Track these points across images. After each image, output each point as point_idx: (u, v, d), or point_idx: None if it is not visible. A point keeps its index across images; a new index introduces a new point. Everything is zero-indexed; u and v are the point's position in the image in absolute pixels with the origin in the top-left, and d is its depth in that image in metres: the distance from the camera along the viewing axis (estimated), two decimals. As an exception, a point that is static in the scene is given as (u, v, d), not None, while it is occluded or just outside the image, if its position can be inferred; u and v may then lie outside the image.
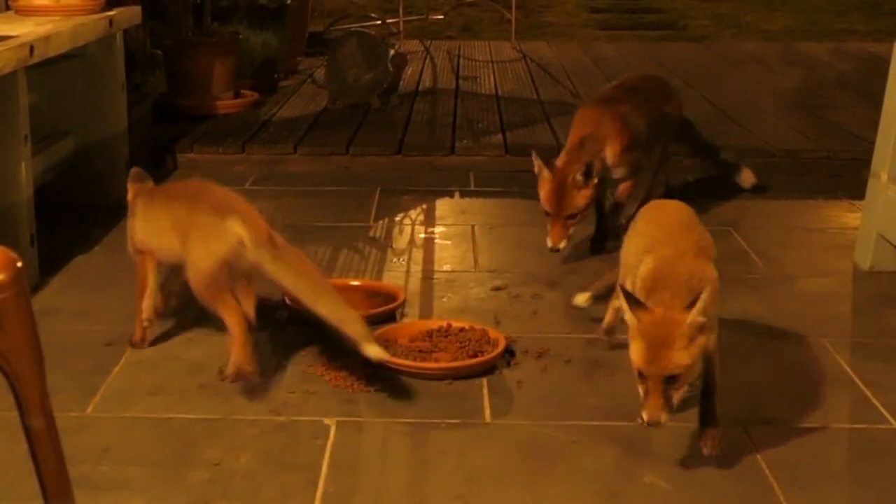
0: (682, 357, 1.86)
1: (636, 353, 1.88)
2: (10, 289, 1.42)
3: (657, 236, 2.14)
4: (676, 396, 1.88)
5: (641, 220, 2.31)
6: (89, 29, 3.39)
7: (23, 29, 3.10)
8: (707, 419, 2.03)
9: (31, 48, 2.89)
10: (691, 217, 2.24)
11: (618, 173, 3.23)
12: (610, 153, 3.14)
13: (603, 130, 3.13)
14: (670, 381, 1.86)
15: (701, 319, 1.86)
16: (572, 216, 3.05)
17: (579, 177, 3.01)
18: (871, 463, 2.09)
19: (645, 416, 1.87)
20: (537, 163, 3.05)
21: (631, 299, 1.92)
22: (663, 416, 1.86)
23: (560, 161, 3.07)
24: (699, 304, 1.85)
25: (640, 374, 1.88)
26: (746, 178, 3.86)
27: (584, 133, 3.12)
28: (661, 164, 3.52)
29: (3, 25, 3.09)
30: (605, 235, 3.30)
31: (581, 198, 3.03)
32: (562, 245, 3.07)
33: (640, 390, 1.89)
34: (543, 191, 3.06)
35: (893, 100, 3.10)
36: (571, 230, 3.08)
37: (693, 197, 3.89)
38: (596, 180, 3.04)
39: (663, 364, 1.85)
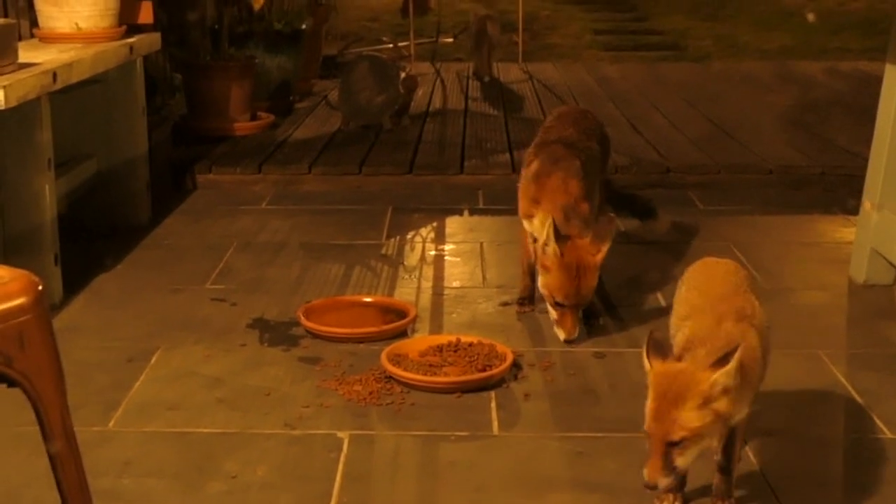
0: (691, 419, 1.71)
1: (647, 407, 1.75)
2: (32, 311, 1.47)
3: (697, 304, 1.98)
4: (681, 461, 1.74)
5: (686, 284, 2.09)
6: (110, 56, 3.46)
7: (46, 56, 3.18)
8: (720, 493, 1.97)
9: (54, 75, 2.96)
10: (738, 282, 2.03)
11: None
12: (585, 211, 2.83)
13: (572, 196, 2.81)
14: (675, 444, 1.72)
15: (726, 381, 1.70)
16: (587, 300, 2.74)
17: (593, 247, 2.68)
18: (867, 472, 2.14)
19: (645, 475, 1.74)
20: (552, 243, 2.66)
21: (652, 347, 1.78)
22: (662, 481, 1.73)
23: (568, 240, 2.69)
24: (731, 364, 1.69)
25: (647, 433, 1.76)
26: (663, 224, 3.52)
27: (561, 204, 2.79)
28: (601, 204, 3.15)
29: (26, 52, 3.15)
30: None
31: (595, 276, 2.70)
32: (577, 333, 2.74)
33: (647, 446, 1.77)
34: (556, 277, 2.68)
35: (883, 129, 3.14)
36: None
37: (695, 214, 4.02)
38: (606, 248, 2.70)
39: (667, 425, 1.72)
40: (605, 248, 2.70)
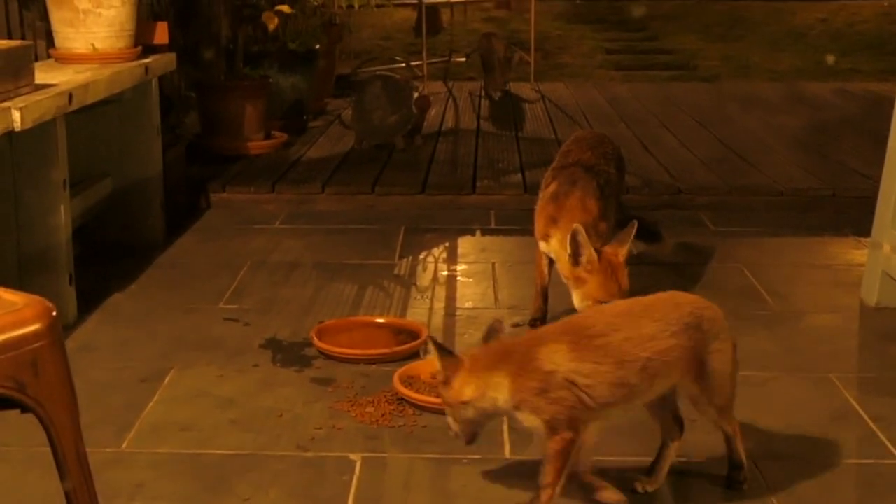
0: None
1: None
2: (46, 337, 1.48)
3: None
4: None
5: None
6: (126, 76, 3.50)
7: (62, 77, 3.21)
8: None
9: (70, 96, 2.99)
10: (668, 323, 2.01)
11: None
12: (604, 231, 2.94)
13: (591, 214, 2.89)
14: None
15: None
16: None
17: (612, 249, 2.74)
18: (878, 497, 2.14)
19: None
20: (588, 249, 2.70)
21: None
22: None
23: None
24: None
25: None
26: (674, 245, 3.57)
27: (580, 222, 2.80)
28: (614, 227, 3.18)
29: (43, 73, 3.18)
30: None
31: (626, 272, 2.74)
32: None
33: None
34: (597, 281, 2.71)
35: (894, 158, 3.14)
36: None
37: (706, 235, 4.03)
38: (625, 249, 2.76)
39: None
40: (623, 251, 2.71)
